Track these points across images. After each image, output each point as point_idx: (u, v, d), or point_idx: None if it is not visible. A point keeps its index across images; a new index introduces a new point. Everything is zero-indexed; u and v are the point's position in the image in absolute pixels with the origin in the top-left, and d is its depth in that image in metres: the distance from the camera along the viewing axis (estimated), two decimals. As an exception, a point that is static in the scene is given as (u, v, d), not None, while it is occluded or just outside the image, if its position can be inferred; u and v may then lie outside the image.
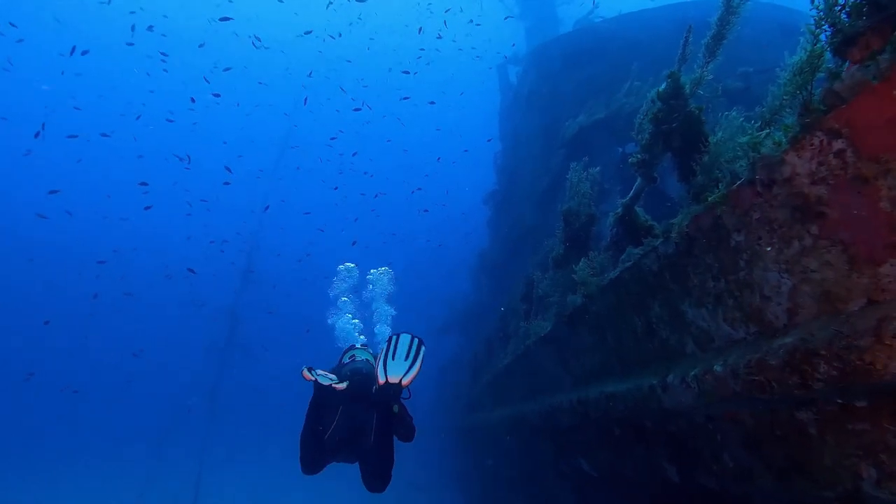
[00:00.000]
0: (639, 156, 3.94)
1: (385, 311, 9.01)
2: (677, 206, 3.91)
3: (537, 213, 13.52)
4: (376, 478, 3.99)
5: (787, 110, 2.69)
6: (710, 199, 2.93)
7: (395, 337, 3.97)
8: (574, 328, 5.17)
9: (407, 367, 3.89)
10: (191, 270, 25.94)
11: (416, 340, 3.95)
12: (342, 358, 4.74)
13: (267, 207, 31.06)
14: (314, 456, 4.10)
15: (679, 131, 3.46)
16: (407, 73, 31.08)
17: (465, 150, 30.99)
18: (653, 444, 4.43)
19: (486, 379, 10.59)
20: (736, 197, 2.77)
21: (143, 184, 28.29)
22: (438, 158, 31.34)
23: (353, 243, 33.58)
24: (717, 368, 2.98)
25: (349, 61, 38.65)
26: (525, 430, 7.41)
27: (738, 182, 2.74)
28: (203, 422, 20.83)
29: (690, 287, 3.39)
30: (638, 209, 4.30)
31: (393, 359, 3.90)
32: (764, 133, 2.56)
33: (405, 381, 3.86)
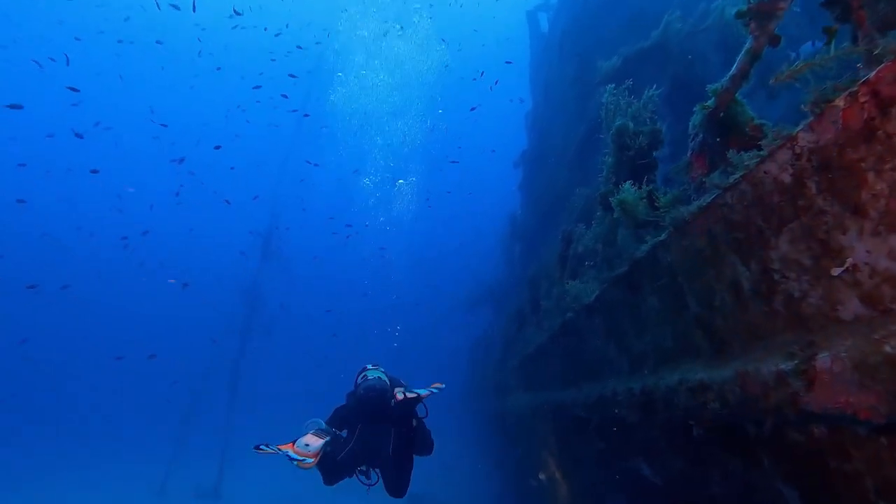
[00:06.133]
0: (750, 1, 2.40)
1: None
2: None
3: (573, 170, 11.89)
4: (396, 487, 4.38)
5: None
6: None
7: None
8: (634, 289, 3.71)
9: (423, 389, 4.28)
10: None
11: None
12: (357, 379, 4.88)
13: (256, 197, 30.60)
14: (331, 474, 4.47)
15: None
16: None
17: (473, 109, 28.76)
18: (757, 455, 2.99)
19: (517, 360, 9.22)
20: None
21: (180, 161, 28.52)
22: (473, 108, 29.13)
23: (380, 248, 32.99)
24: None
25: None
26: (565, 422, 6.02)
27: None
28: (225, 402, 20.32)
29: (864, 201, 1.90)
30: (741, 100, 2.76)
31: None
32: None
33: (423, 394, 4.18)
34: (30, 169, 37.89)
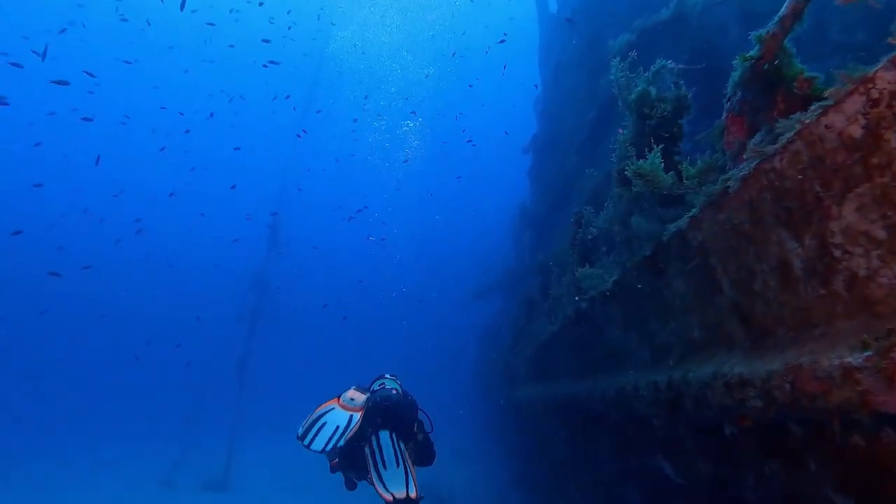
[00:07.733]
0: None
1: None
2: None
3: (584, 155, 11.46)
4: None
5: None
6: None
7: (374, 438, 3.86)
8: (658, 273, 3.33)
9: (404, 476, 3.73)
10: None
11: (393, 437, 3.86)
12: (371, 385, 4.60)
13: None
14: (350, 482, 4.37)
15: None
16: None
17: (470, 86, 28.31)
18: (803, 459, 2.63)
19: (527, 351, 8.88)
20: None
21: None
22: (470, 85, 28.65)
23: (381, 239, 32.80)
24: None
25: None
26: (578, 415, 5.67)
27: None
28: (233, 392, 20.21)
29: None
30: (790, 48, 2.36)
31: (385, 468, 3.77)
32: None
33: (412, 494, 3.68)
34: (36, 155, 38.00)
